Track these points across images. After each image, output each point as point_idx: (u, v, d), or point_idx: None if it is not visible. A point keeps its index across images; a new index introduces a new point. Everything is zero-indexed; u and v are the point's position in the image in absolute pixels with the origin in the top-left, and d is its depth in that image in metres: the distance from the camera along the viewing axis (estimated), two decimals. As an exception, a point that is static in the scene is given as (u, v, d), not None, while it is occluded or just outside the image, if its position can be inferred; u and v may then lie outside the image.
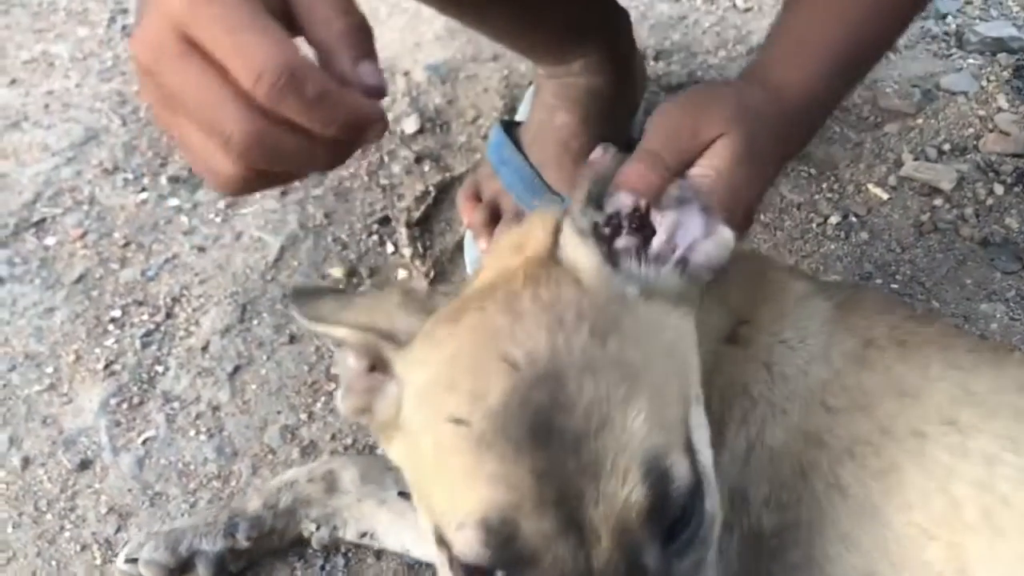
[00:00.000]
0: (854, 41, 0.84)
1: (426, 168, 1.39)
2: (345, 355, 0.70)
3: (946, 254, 1.21)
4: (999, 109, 1.39)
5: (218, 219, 1.34)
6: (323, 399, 1.11)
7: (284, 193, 1.37)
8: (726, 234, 0.66)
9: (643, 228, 0.65)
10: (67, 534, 1.00)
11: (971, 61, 1.48)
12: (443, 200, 1.35)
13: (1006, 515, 0.62)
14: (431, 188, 1.35)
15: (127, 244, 1.31)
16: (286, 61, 0.52)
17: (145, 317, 1.21)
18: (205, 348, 1.17)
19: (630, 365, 0.57)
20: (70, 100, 1.56)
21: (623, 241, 0.65)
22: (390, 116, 1.48)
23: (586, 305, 0.59)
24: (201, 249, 1.30)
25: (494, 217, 1.18)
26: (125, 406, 1.11)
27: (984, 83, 1.43)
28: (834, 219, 1.26)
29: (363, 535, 0.94)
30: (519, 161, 1.18)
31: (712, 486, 0.61)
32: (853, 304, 0.76)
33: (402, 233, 1.29)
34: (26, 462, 1.06)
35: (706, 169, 0.73)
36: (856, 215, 1.27)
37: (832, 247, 1.23)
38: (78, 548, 0.98)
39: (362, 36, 0.57)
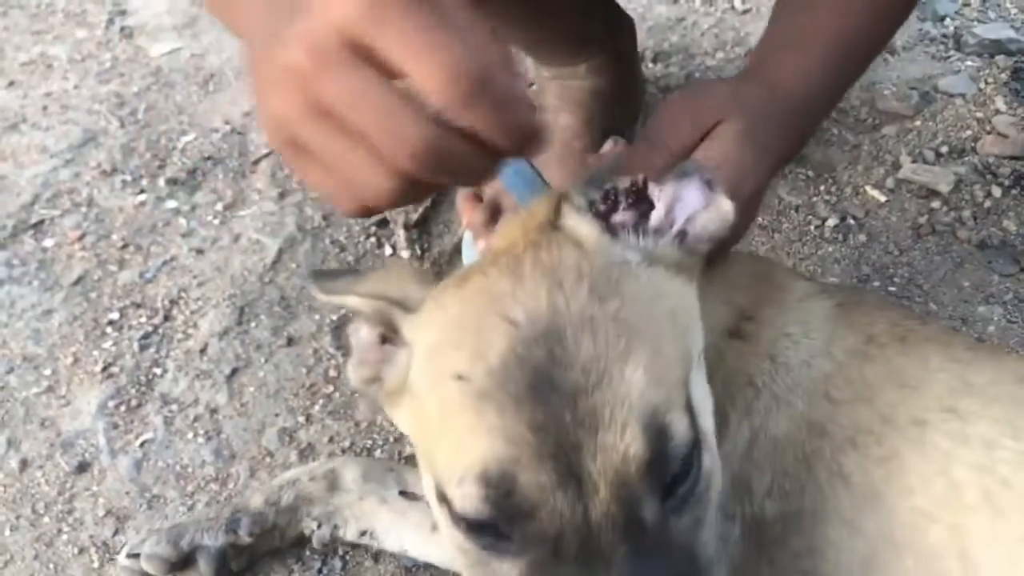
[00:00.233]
0: (848, 40, 0.85)
1: (424, 170, 1.39)
2: (358, 327, 0.71)
3: (944, 256, 1.21)
4: (997, 111, 1.39)
5: (216, 221, 1.34)
6: (321, 402, 1.11)
7: (282, 195, 1.37)
8: (725, 206, 0.66)
9: (641, 203, 0.66)
10: (65, 537, 1.00)
11: (969, 63, 1.48)
12: (441, 202, 1.35)
13: (1006, 496, 0.63)
14: (429, 190, 1.35)
15: (125, 246, 1.31)
16: (482, 63, 0.50)
17: (143, 319, 1.21)
18: (203, 350, 1.17)
19: (629, 323, 0.58)
20: (68, 102, 1.56)
21: (620, 216, 0.65)
22: (388, 118, 1.48)
23: (586, 268, 0.61)
24: (199, 251, 1.30)
25: (494, 217, 1.18)
26: (123, 408, 1.11)
27: (982, 85, 1.44)
28: (832, 221, 1.26)
29: (363, 534, 0.95)
30: (520, 161, 1.18)
31: (712, 447, 0.61)
32: (854, 303, 0.78)
33: (400, 235, 1.29)
34: (24, 464, 1.06)
35: (709, 151, 0.74)
36: (854, 217, 1.27)
37: (830, 249, 1.23)
38: (76, 551, 0.98)
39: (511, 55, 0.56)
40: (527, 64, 1.32)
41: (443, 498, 0.59)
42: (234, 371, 1.15)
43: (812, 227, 1.26)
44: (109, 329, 1.20)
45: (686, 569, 0.57)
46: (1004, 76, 1.44)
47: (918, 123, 1.39)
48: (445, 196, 1.35)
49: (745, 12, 1.63)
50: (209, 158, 1.44)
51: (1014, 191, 1.28)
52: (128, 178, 1.41)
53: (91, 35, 1.72)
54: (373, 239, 1.30)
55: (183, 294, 1.24)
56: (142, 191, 1.39)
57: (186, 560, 0.92)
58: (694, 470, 0.58)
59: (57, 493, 1.03)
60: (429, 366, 0.62)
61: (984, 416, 0.66)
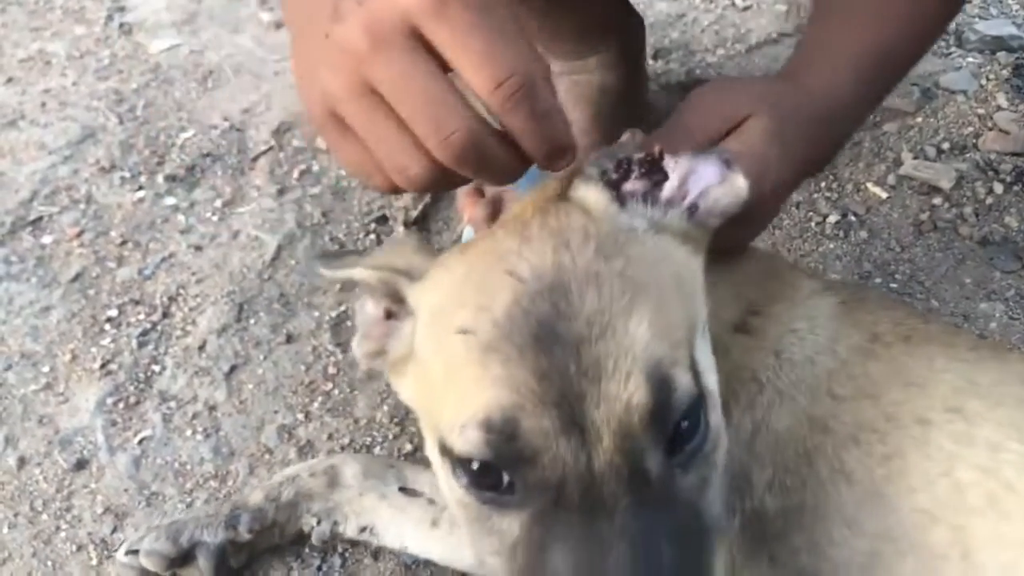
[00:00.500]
0: (883, 51, 0.84)
1: (424, 167, 1.38)
2: (363, 303, 0.73)
3: (945, 253, 1.20)
4: (998, 108, 1.38)
5: (215, 218, 1.33)
6: (320, 399, 1.10)
7: (281, 192, 1.37)
8: (740, 182, 0.67)
9: (654, 173, 0.67)
10: (63, 534, 0.99)
11: (970, 59, 1.48)
12: (441, 199, 1.34)
13: (1011, 500, 0.62)
14: (429, 187, 1.34)
15: (124, 243, 1.30)
16: (529, 72, 0.55)
17: (142, 316, 1.20)
18: (202, 347, 1.16)
19: (634, 281, 0.58)
20: (67, 98, 1.56)
21: (632, 184, 0.66)
22: (388, 114, 1.48)
23: (593, 230, 0.61)
24: (198, 248, 1.29)
25: (496, 213, 1.18)
26: (121, 405, 1.11)
27: (983, 82, 1.43)
28: (833, 218, 1.25)
29: (363, 530, 0.94)
30: None
31: (717, 407, 0.62)
32: (859, 301, 0.78)
33: (400, 232, 1.28)
34: (22, 462, 1.06)
35: (734, 143, 0.74)
36: (855, 214, 1.26)
37: (831, 246, 1.23)
38: (74, 548, 0.98)
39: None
40: None
41: (445, 451, 0.59)
42: (233, 368, 1.14)
43: (813, 224, 1.26)
44: (107, 326, 1.19)
45: (690, 526, 0.57)
46: (1006, 72, 1.44)
47: (919, 120, 1.38)
48: (445, 192, 1.35)
49: (746, 9, 1.63)
50: (208, 155, 1.44)
51: (1016, 188, 1.28)
52: (127, 175, 1.41)
53: (90, 31, 1.71)
54: (373, 236, 1.29)
55: (182, 291, 1.24)
56: (141, 188, 1.39)
57: (185, 557, 0.92)
58: (701, 427, 0.58)
59: (55, 490, 1.03)
60: (434, 327, 0.62)
61: (989, 418, 0.65)
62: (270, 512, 0.93)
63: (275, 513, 0.94)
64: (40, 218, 1.34)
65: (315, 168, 1.40)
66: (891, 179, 1.30)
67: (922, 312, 1.09)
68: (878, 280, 1.18)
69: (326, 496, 0.95)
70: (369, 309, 0.72)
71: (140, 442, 1.07)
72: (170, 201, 1.36)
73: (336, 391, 1.11)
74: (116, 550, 0.95)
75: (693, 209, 0.66)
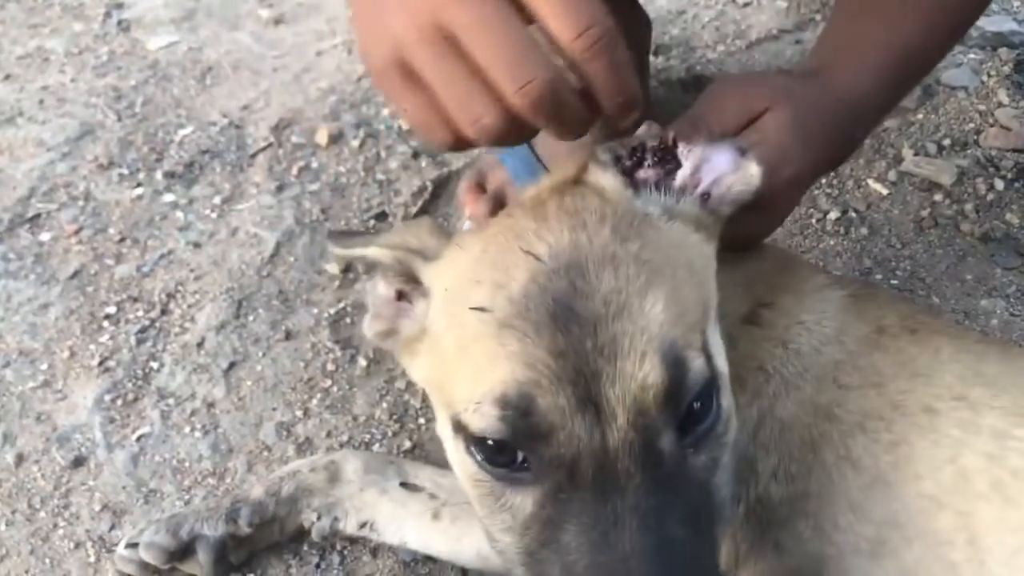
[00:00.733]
0: (907, 49, 0.84)
1: (423, 163, 1.38)
2: (375, 284, 0.73)
3: (946, 250, 1.20)
4: (1000, 104, 1.38)
5: (214, 215, 1.33)
6: (319, 396, 1.10)
7: (280, 189, 1.36)
8: (752, 169, 0.68)
9: (667, 161, 0.67)
10: (61, 532, 0.99)
11: (971, 56, 1.47)
12: (440, 195, 1.34)
13: (1017, 486, 0.63)
14: (428, 183, 1.34)
15: (122, 240, 1.30)
16: (609, 24, 0.56)
17: (140, 313, 1.20)
18: (200, 344, 1.16)
19: (649, 263, 0.59)
20: (65, 95, 1.55)
21: (645, 172, 0.67)
22: (387, 111, 1.47)
23: (609, 212, 0.62)
24: (197, 245, 1.29)
25: (498, 208, 1.18)
26: (119, 403, 1.10)
27: (984, 78, 1.43)
28: (833, 215, 1.25)
29: (363, 526, 0.94)
30: (524, 151, 1.18)
31: (727, 389, 0.62)
32: (866, 295, 0.78)
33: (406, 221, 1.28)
34: (20, 459, 1.05)
35: (753, 135, 0.75)
36: (856, 211, 1.26)
37: (832, 243, 1.22)
38: (72, 546, 0.97)
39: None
40: None
41: (459, 428, 0.59)
42: (232, 365, 1.14)
43: (814, 220, 1.25)
44: (106, 323, 1.19)
45: (701, 505, 0.58)
46: (1007, 69, 1.43)
47: (920, 116, 1.38)
48: (444, 189, 1.35)
49: (746, 5, 1.62)
50: (207, 152, 1.43)
51: (1017, 184, 1.27)
52: (125, 172, 1.40)
53: (88, 28, 1.71)
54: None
55: (180, 288, 1.23)
56: (139, 185, 1.38)
57: (185, 550, 0.92)
58: (713, 409, 0.59)
59: (53, 488, 1.03)
60: (449, 304, 0.63)
61: (995, 407, 0.66)
62: (270, 506, 0.93)
63: (275, 507, 0.93)
64: (38, 215, 1.34)
65: (314, 165, 1.40)
66: (892, 175, 1.30)
67: (930, 308, 1.09)
68: (879, 277, 1.18)
69: (326, 491, 0.94)
70: (381, 289, 0.72)
71: (138, 439, 1.07)
72: (169, 198, 1.36)
73: (335, 388, 1.11)
74: (114, 547, 0.95)
75: (706, 197, 0.67)
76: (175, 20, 1.72)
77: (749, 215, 0.70)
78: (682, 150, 0.67)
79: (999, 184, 1.27)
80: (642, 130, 0.75)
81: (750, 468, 0.71)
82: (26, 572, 0.95)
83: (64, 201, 1.36)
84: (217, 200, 1.35)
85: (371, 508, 0.94)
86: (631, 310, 0.56)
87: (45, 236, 1.31)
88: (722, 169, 0.68)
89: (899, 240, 1.22)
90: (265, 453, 1.05)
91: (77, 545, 0.98)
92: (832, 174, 1.31)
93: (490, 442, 0.57)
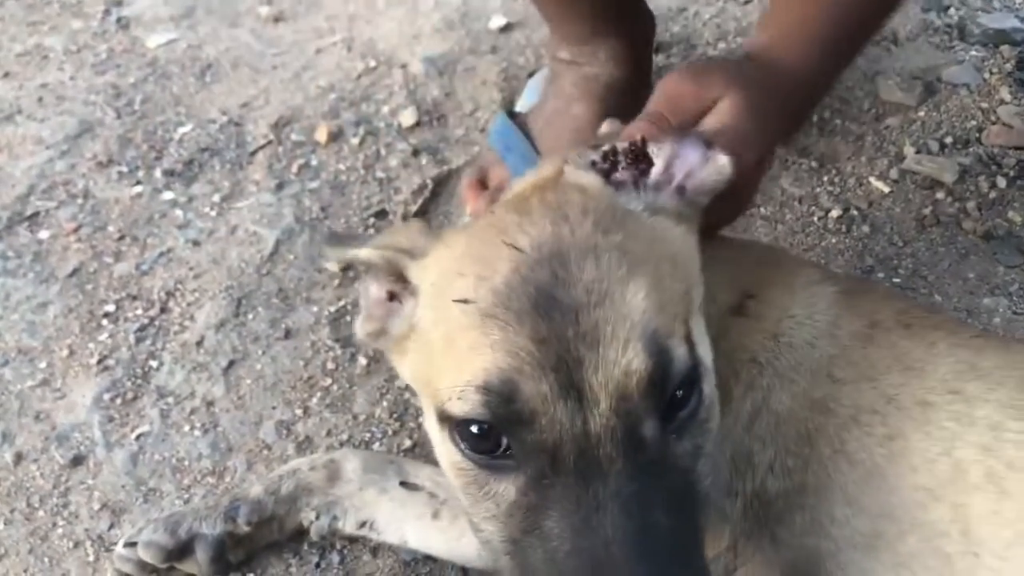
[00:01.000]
0: (848, 19, 0.86)
1: (423, 161, 1.38)
2: (367, 285, 0.74)
3: (948, 248, 1.19)
4: (1002, 101, 1.37)
5: (213, 213, 1.33)
6: (319, 394, 1.09)
7: (279, 187, 1.36)
8: (722, 160, 0.69)
9: (640, 162, 0.68)
10: (60, 531, 0.98)
11: (973, 53, 1.47)
12: (440, 193, 1.34)
13: (1012, 478, 0.63)
14: (428, 181, 1.34)
15: (121, 238, 1.30)
16: None
17: (139, 311, 1.20)
18: (200, 343, 1.16)
19: (632, 253, 0.60)
20: (64, 93, 1.55)
21: (620, 174, 0.68)
22: (386, 109, 1.47)
23: (591, 206, 0.63)
24: (196, 243, 1.28)
25: None
26: (119, 401, 1.10)
27: (986, 75, 1.42)
28: (835, 212, 1.25)
29: (362, 525, 0.94)
30: (526, 148, 1.18)
31: (711, 379, 0.63)
32: (861, 291, 0.79)
33: (398, 224, 1.27)
34: (18, 458, 1.05)
35: (711, 123, 0.76)
36: (857, 208, 1.25)
37: (833, 240, 1.22)
38: (71, 545, 0.97)
39: None
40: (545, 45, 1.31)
41: (444, 418, 0.60)
42: (231, 363, 1.13)
43: (815, 218, 1.25)
44: (105, 321, 1.19)
45: (684, 492, 0.58)
46: (1009, 66, 1.43)
47: (922, 114, 1.37)
48: (444, 187, 1.34)
49: (747, 2, 1.62)
50: (206, 149, 1.43)
51: (1019, 182, 1.27)
52: (124, 169, 1.40)
53: (87, 26, 1.70)
54: (372, 231, 1.28)
55: (179, 286, 1.23)
56: (138, 183, 1.38)
57: (183, 549, 0.91)
58: (695, 395, 0.60)
59: (52, 486, 1.02)
60: (435, 299, 0.64)
61: (990, 399, 0.66)
62: (269, 505, 0.93)
63: (274, 506, 0.93)
64: (37, 213, 1.34)
65: (314, 162, 1.39)
66: (893, 173, 1.29)
67: (927, 305, 1.08)
68: (881, 275, 1.17)
69: (326, 490, 0.94)
70: (373, 291, 0.73)
71: (137, 438, 1.06)
72: (168, 196, 1.35)
73: (335, 387, 1.10)
74: (113, 546, 0.95)
75: (681, 190, 0.68)
76: (174, 18, 1.71)
77: (716, 202, 0.71)
78: (651, 149, 0.69)
79: (1001, 182, 1.26)
80: (605, 128, 0.77)
81: (747, 462, 0.71)
82: (25, 571, 0.95)
83: (63, 199, 1.35)
84: (216, 198, 1.35)
85: (371, 507, 0.94)
86: (613, 298, 0.57)
87: (44, 234, 1.31)
88: (692, 163, 0.69)
89: (901, 238, 1.21)
90: (265, 452, 1.04)
91: (76, 544, 0.97)
92: (834, 172, 1.30)
93: (473, 429, 0.58)
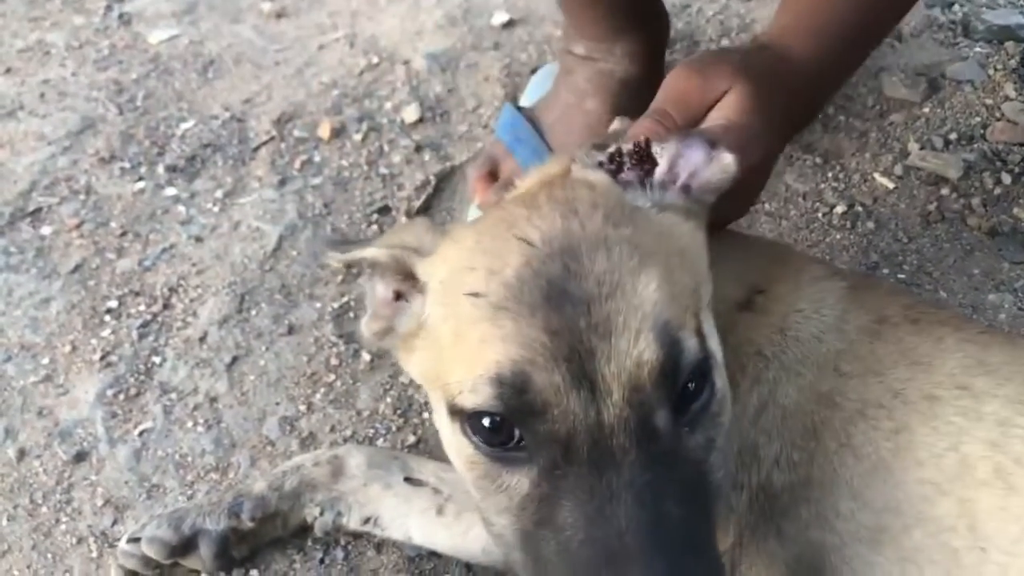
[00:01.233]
0: (861, 14, 0.85)
1: (426, 157, 1.37)
2: (373, 284, 0.74)
3: (953, 244, 1.19)
4: (1006, 98, 1.37)
5: (216, 209, 1.32)
6: (322, 390, 1.09)
7: (282, 182, 1.35)
8: (727, 159, 0.69)
9: (645, 162, 0.69)
10: (63, 527, 0.98)
11: (978, 50, 1.47)
12: (444, 189, 1.33)
13: (1020, 473, 0.62)
14: (431, 177, 1.33)
15: (124, 234, 1.29)
16: None
17: (142, 307, 1.19)
18: (203, 339, 1.15)
19: (642, 247, 0.60)
20: (66, 89, 1.55)
21: (626, 175, 0.68)
22: (389, 105, 1.47)
23: (600, 200, 0.63)
24: (199, 239, 1.28)
25: None
26: (122, 397, 1.10)
27: (991, 72, 1.42)
28: (840, 209, 1.24)
29: (366, 521, 0.93)
30: (537, 141, 1.18)
31: (722, 370, 0.63)
32: (866, 287, 0.78)
33: (402, 222, 1.27)
34: (21, 454, 1.05)
35: (717, 118, 0.75)
36: (862, 205, 1.25)
37: (838, 237, 1.21)
38: (74, 541, 0.97)
39: None
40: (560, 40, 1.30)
41: (455, 412, 0.60)
42: (234, 359, 1.13)
43: (820, 214, 1.25)
44: (108, 317, 1.18)
45: (697, 484, 0.58)
46: (1013, 62, 1.42)
47: (926, 110, 1.37)
48: (447, 183, 1.34)
49: (750, -1, 1.62)
50: (208, 145, 1.43)
51: (1024, 178, 1.26)
52: (127, 165, 1.40)
53: (89, 22, 1.70)
54: (375, 227, 1.28)
55: (182, 282, 1.22)
56: (141, 178, 1.37)
57: (187, 545, 0.91)
58: (707, 388, 0.60)
59: (55, 483, 1.02)
60: (445, 295, 0.63)
61: (998, 395, 0.66)
62: (273, 500, 0.93)
63: (278, 502, 0.93)
64: (39, 209, 1.33)
65: (316, 158, 1.39)
66: (898, 169, 1.29)
67: (934, 301, 1.08)
68: (885, 271, 1.17)
69: (330, 486, 0.94)
70: (379, 290, 0.73)
71: (140, 434, 1.06)
72: (170, 192, 1.35)
73: (339, 383, 1.10)
74: (116, 542, 0.94)
75: (687, 189, 0.68)
76: (176, 13, 1.71)
77: (724, 198, 0.71)
78: (656, 148, 0.69)
79: (1006, 178, 1.26)
80: (615, 126, 0.77)
81: (753, 455, 0.71)
82: (28, 567, 0.95)
83: (65, 195, 1.35)
84: (219, 194, 1.34)
85: (375, 503, 0.93)
86: (624, 290, 0.57)
87: (46, 230, 1.30)
88: (696, 162, 0.69)
89: (906, 234, 1.21)
90: (268, 448, 1.04)
91: (79, 540, 0.97)
92: (838, 168, 1.30)
93: (485, 421, 0.58)
